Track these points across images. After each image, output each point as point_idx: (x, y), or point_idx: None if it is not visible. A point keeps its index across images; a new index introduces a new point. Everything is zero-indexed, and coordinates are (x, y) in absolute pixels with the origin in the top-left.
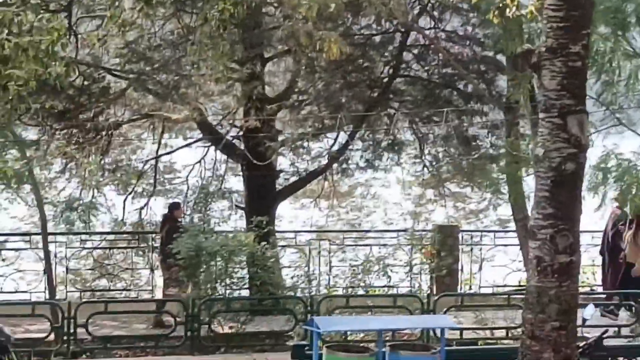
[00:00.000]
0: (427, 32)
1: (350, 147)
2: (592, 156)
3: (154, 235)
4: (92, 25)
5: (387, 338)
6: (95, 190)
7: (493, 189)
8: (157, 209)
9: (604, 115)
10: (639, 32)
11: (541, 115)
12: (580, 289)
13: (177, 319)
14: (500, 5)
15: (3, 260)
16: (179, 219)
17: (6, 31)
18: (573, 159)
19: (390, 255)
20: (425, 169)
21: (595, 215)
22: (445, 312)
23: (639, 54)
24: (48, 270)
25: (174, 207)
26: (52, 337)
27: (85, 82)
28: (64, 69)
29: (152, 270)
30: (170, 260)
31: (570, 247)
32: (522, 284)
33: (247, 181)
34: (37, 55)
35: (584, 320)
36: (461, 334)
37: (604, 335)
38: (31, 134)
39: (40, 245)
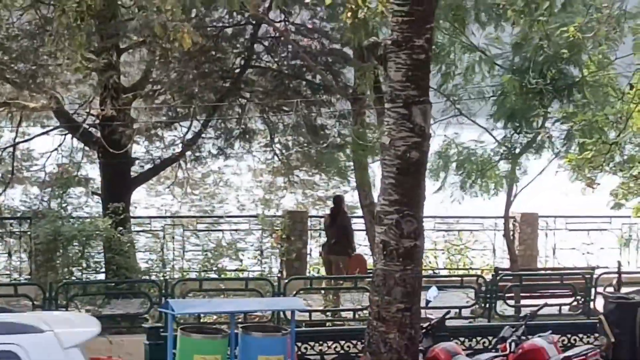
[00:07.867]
0: (277, 24)
1: (202, 135)
2: (434, 145)
3: (11, 221)
4: None
5: (239, 320)
6: None
7: (340, 176)
8: (15, 195)
9: (445, 106)
10: (477, 28)
11: (387, 105)
12: (423, 272)
13: (35, 303)
14: (353, 7)
15: None
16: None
17: None
18: (417, 147)
19: (242, 240)
20: (275, 157)
21: (434, 198)
22: (294, 295)
23: (476, 48)
24: None
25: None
26: None
27: None
28: None
29: (9, 255)
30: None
31: (414, 232)
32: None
33: (103, 168)
34: None
35: (427, 301)
36: (310, 316)
37: (447, 317)
38: None
39: None
